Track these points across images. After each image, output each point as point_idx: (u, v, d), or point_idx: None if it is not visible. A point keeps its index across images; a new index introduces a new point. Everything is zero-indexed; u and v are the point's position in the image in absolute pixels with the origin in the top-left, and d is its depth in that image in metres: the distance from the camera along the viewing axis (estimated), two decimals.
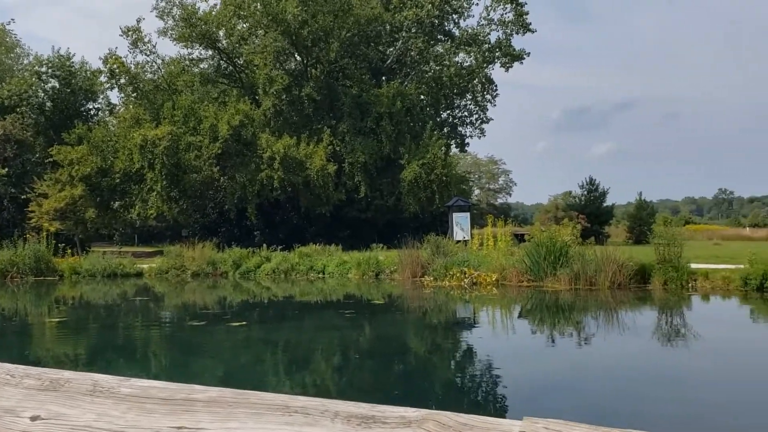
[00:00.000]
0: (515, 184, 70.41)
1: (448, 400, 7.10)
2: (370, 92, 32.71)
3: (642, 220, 38.60)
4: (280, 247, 24.16)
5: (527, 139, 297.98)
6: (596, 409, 6.57)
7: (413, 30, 34.92)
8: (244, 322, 12.30)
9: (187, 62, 36.63)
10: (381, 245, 24.08)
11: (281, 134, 31.46)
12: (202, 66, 36.91)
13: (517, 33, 36.36)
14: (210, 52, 36.00)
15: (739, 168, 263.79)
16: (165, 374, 8.47)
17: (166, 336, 11.52)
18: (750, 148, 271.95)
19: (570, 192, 41.03)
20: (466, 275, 17.97)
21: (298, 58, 34.71)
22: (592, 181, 38.60)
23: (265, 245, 24.49)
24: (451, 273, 18.27)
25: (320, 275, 21.71)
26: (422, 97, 36.44)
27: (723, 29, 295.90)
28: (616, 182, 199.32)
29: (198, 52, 36.07)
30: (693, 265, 16.71)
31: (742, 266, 16.14)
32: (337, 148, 31.62)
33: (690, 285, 15.89)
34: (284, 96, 32.60)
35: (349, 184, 31.80)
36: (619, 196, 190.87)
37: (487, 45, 37.00)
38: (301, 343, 10.41)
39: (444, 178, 31.18)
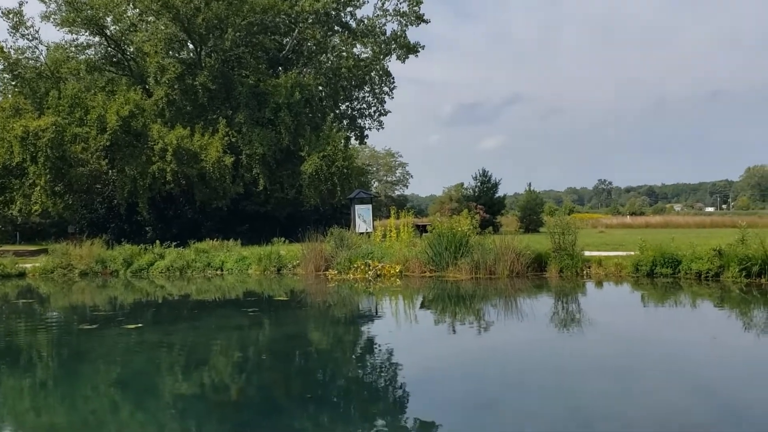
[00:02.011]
0: (411, 176, 71.53)
1: (350, 394, 6.97)
2: (267, 82, 32.00)
3: (532, 210, 40.19)
4: (174, 244, 23.22)
5: (421, 133, 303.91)
6: (488, 397, 6.62)
7: (310, 20, 34.43)
8: (138, 324, 11.60)
9: (73, 49, 34.38)
10: (282, 239, 23.62)
11: (174, 125, 30.15)
12: (88, 53, 34.75)
13: (411, 24, 36.70)
14: (97, 39, 33.94)
15: (616, 160, 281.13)
16: (53, 382, 7.83)
17: (54, 341, 10.65)
18: (626, 141, 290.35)
19: (462, 184, 41.99)
20: (370, 267, 17.89)
21: (191, 46, 33.37)
22: (484, 173, 39.74)
23: (158, 241, 23.42)
24: (355, 266, 18.13)
25: (218, 272, 21.00)
26: (321, 88, 36.08)
27: (601, 29, 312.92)
28: (505, 174, 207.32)
29: (84, 38, 33.96)
30: (586, 253, 17.44)
31: (632, 253, 17.00)
32: (234, 140, 30.71)
33: (585, 272, 16.56)
34: (177, 85, 31.27)
35: (247, 176, 30.98)
36: (508, 187, 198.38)
37: (383, 37, 37.12)
38: (200, 345, 9.91)
39: (345, 171, 31.00)
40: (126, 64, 34.59)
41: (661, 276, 15.41)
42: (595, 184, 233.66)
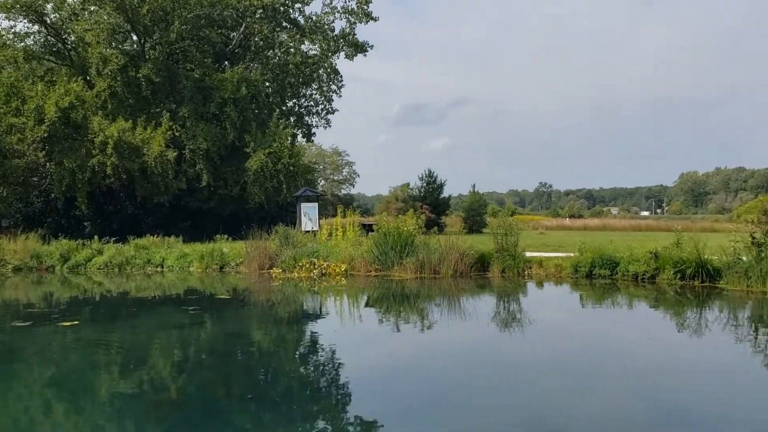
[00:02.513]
0: (358, 175, 71.54)
1: (292, 394, 6.92)
2: (213, 77, 31.43)
3: (475, 211, 40.77)
4: (113, 239, 22.61)
5: (369, 132, 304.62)
6: (431, 395, 6.68)
7: (258, 15, 34.01)
8: (75, 321, 11.25)
9: (11, 36, 32.94)
10: (225, 236, 23.26)
11: (116, 118, 29.31)
12: (27, 41, 33.36)
13: (360, 22, 36.63)
14: (36, 27, 32.65)
15: (557, 164, 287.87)
16: None
17: None
18: (566, 145, 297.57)
19: (408, 184, 42.24)
20: (316, 266, 17.83)
21: (135, 37, 32.49)
22: (430, 173, 40.11)
23: (96, 237, 22.77)
24: (300, 264, 18.03)
25: (159, 269, 20.57)
26: (267, 84, 35.65)
27: (545, 35, 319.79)
28: (450, 175, 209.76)
29: (23, 25, 32.59)
30: (528, 254, 17.80)
31: (571, 254, 17.43)
32: (177, 134, 30.04)
33: (526, 272, 16.89)
34: (120, 77, 30.41)
35: (190, 172, 30.36)
36: (453, 188, 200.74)
37: (331, 34, 36.97)
38: (139, 343, 9.69)
39: (291, 168, 30.72)
40: (66, 53, 33.41)
41: (599, 277, 15.85)
42: (536, 187, 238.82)
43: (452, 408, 6.23)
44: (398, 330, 10.47)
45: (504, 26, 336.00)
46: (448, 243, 17.27)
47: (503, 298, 14.01)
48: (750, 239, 13.78)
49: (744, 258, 13.91)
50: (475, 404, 6.30)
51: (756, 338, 9.35)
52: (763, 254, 13.51)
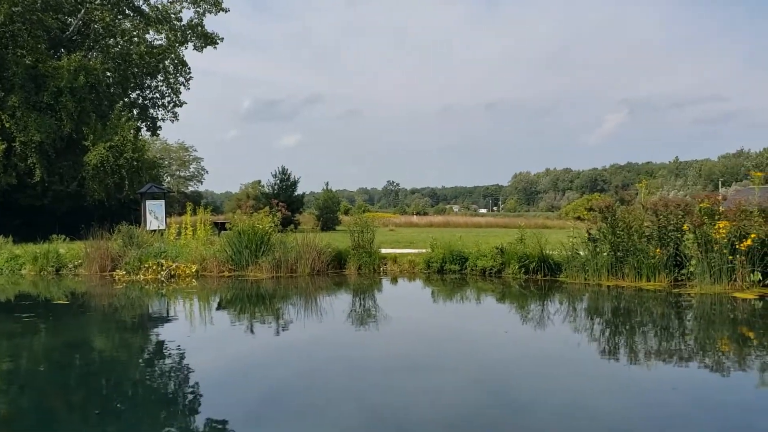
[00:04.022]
0: (207, 171, 69.19)
1: (138, 403, 6.53)
2: (48, 64, 28.96)
3: (329, 208, 41.01)
4: None
5: (219, 127, 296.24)
6: (282, 396, 6.59)
7: (98, 1, 31.76)
8: None
9: None
10: (62, 236, 21.49)
11: None
12: None
13: (210, 12, 35.46)
14: None
15: (403, 163, 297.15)
16: None
17: None
18: (413, 145, 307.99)
19: (260, 181, 41.63)
20: (164, 267, 16.96)
21: None
22: (284, 170, 39.78)
23: None
24: (146, 265, 17.06)
25: None
26: (109, 74, 33.44)
27: (395, 37, 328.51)
28: (303, 172, 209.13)
29: None
30: (383, 251, 18.13)
31: (423, 250, 17.99)
32: (7, 125, 27.32)
33: (381, 269, 17.20)
34: None
35: (21, 166, 27.77)
36: (306, 186, 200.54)
37: (179, 23, 35.39)
38: None
39: (135, 163, 29.06)
40: None
41: (450, 272, 16.48)
42: (385, 185, 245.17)
43: (300, 408, 6.11)
44: (252, 332, 10.18)
45: (355, 27, 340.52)
46: (306, 241, 17.16)
47: (359, 295, 14.13)
48: (587, 235, 14.99)
49: (581, 253, 15.09)
50: (322, 403, 6.22)
51: (592, 328, 10.15)
52: (598, 249, 14.75)
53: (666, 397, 6.42)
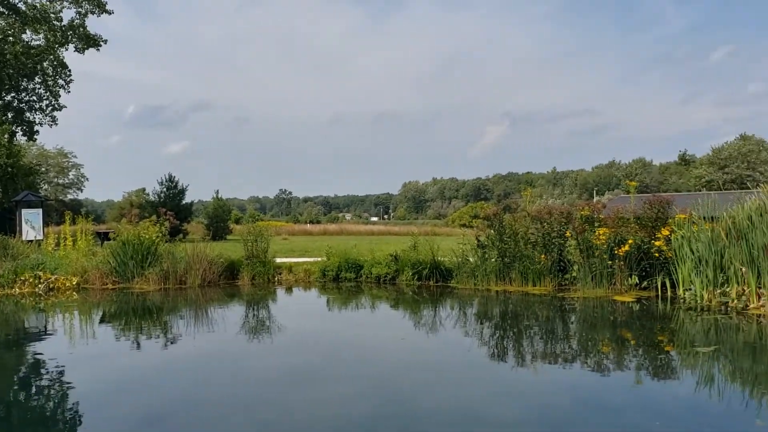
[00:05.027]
0: (87, 179, 65.66)
1: (12, 424, 6.13)
2: None
3: (219, 217, 40.02)
4: None
5: (100, 133, 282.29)
6: (167, 411, 6.42)
7: None
8: None
9: None
10: None
11: None
12: None
13: (93, 13, 33.75)
14: None
15: (295, 171, 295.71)
16: None
17: None
18: (304, 153, 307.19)
19: (144, 189, 40.03)
20: (41, 280, 15.91)
21: None
22: (171, 178, 38.46)
23: None
24: (22, 278, 15.95)
25: None
26: None
27: (282, 43, 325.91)
28: (192, 180, 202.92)
29: None
30: (277, 260, 17.89)
31: (318, 259, 17.92)
32: None
33: (276, 279, 16.95)
34: None
35: None
36: (194, 194, 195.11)
37: (59, 24, 33.42)
38: None
39: (9, 169, 27.16)
40: None
41: (345, 280, 16.51)
42: (277, 194, 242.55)
43: (187, 426, 5.93)
44: (138, 347, 9.74)
45: (244, 34, 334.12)
46: (196, 251, 16.62)
47: (253, 306, 13.87)
48: (476, 242, 15.49)
49: (471, 259, 15.57)
50: (213, 421, 6.02)
51: (482, 332, 10.48)
52: (486, 255, 15.27)
53: (553, 399, 6.73)
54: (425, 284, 15.67)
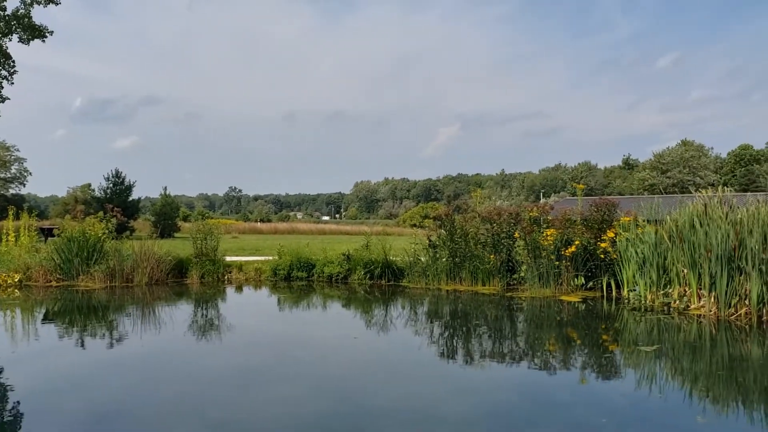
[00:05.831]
0: (30, 173, 63.55)
1: None
2: None
3: (167, 215, 39.26)
4: None
5: (45, 126, 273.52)
6: (111, 410, 6.29)
7: None
8: None
9: None
10: None
11: None
12: None
13: (39, 3, 32.60)
14: None
15: (246, 169, 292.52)
16: None
17: None
18: (256, 151, 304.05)
19: (89, 184, 39.01)
20: None
21: None
22: (118, 174, 37.62)
23: None
24: None
25: None
26: None
27: (235, 40, 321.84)
28: (139, 176, 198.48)
29: None
30: (227, 258, 17.67)
31: (269, 258, 17.78)
32: None
33: (226, 277, 16.75)
34: None
35: None
36: (142, 191, 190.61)
37: (2, 13, 32.19)
38: None
39: None
40: None
41: (297, 279, 16.43)
42: (226, 191, 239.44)
43: (133, 427, 5.80)
44: (82, 345, 9.50)
45: (197, 29, 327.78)
46: (143, 248, 16.29)
47: (202, 305, 13.68)
48: (427, 242, 15.62)
49: (422, 258, 15.70)
50: (160, 421, 5.93)
51: (432, 331, 10.59)
52: (437, 255, 15.42)
53: (502, 396, 6.87)
54: (377, 283, 15.72)
